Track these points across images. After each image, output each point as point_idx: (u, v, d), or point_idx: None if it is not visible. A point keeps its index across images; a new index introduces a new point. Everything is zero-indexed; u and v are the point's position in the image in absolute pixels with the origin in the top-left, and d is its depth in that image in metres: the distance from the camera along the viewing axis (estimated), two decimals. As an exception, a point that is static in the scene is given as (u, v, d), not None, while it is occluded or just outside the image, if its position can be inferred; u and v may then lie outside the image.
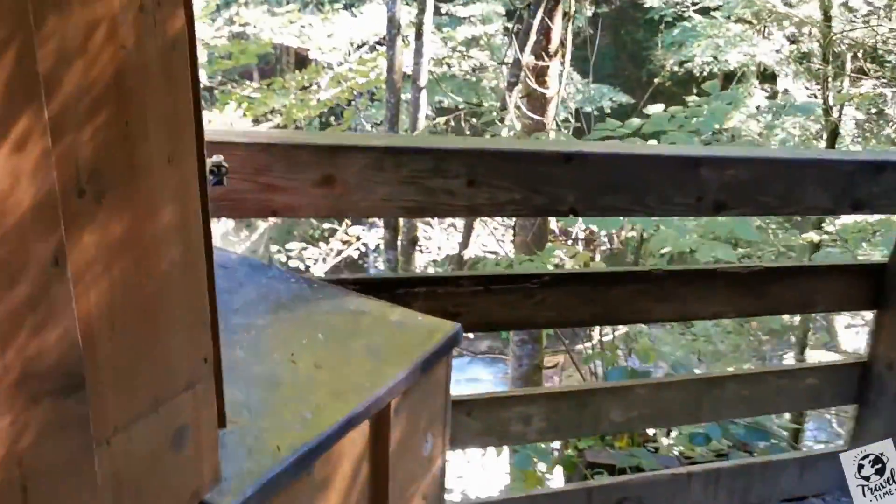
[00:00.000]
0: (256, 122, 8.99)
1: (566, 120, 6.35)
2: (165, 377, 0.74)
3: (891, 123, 9.43)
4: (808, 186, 1.71)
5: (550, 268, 3.37)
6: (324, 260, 9.59)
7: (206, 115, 8.53)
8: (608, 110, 10.77)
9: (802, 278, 1.93)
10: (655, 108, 4.37)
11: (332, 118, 9.78)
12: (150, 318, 0.71)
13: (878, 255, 4.11)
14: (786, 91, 9.65)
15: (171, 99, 0.68)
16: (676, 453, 2.47)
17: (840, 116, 7.60)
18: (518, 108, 4.83)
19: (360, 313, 1.19)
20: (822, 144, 8.38)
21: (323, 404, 0.98)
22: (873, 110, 9.18)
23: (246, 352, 1.08)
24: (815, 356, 7.81)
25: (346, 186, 1.42)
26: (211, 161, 1.27)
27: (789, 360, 8.21)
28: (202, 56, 8.86)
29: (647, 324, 1.99)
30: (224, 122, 8.47)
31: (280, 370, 1.05)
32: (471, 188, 1.49)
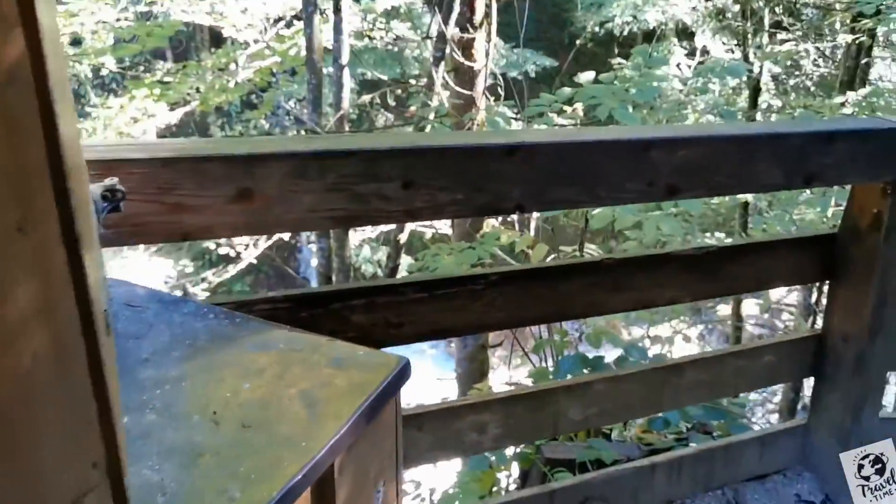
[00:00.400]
0: (173, 107, 8.54)
1: (493, 88, 6.21)
2: (41, 500, 0.58)
3: (807, 76, 9.65)
4: (761, 163, 1.63)
5: (495, 250, 3.27)
6: (255, 244, 9.26)
7: (117, 103, 8.04)
8: (533, 75, 10.70)
9: (756, 256, 1.86)
10: (586, 76, 4.28)
11: (252, 97, 9.37)
12: (11, 433, 0.55)
13: (811, 215, 4.16)
14: (705, 49, 9.76)
15: (13, 151, 0.51)
16: (631, 438, 2.40)
17: (760, 72, 7.71)
18: (445, 83, 4.66)
19: (291, 353, 1.04)
20: (742, 98, 8.51)
21: (254, 476, 0.83)
22: (789, 64, 9.36)
23: (159, 414, 0.92)
24: (749, 308, 8.00)
25: (266, 200, 1.25)
26: (103, 185, 1.09)
27: (725, 310, 8.37)
28: (108, 40, 8.33)
29: (602, 315, 1.90)
30: (137, 108, 8.02)
31: (201, 435, 0.89)
32: (407, 191, 1.35)
